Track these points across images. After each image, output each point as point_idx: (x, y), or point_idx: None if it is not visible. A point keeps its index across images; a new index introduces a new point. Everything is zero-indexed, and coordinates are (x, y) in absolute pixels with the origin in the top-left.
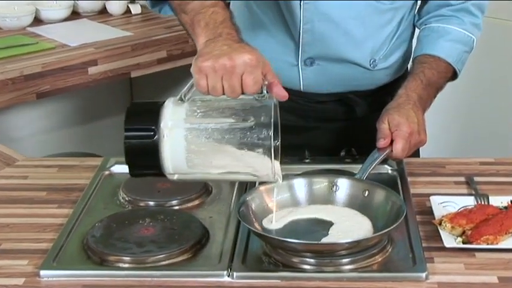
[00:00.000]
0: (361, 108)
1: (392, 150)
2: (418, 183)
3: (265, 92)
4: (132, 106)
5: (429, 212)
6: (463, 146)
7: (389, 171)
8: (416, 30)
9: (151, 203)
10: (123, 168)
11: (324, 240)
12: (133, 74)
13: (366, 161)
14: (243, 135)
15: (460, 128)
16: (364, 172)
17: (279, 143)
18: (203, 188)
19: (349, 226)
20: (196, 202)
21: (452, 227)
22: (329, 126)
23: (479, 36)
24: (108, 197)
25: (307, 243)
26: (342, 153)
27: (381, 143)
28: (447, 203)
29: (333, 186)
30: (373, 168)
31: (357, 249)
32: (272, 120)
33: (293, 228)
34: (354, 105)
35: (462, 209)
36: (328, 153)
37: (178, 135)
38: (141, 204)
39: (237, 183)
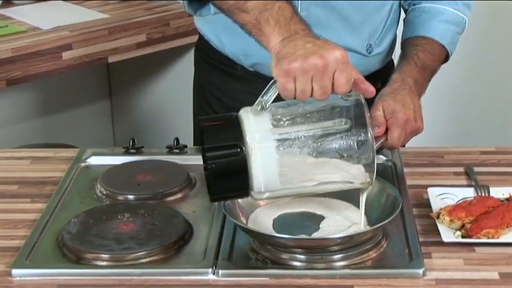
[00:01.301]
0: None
1: (387, 139)
2: (415, 174)
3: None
4: (203, 122)
5: (426, 204)
6: (462, 134)
7: (384, 162)
8: (403, 12)
9: (131, 197)
10: (100, 160)
11: (315, 235)
12: (111, 59)
13: None
14: (339, 140)
15: (459, 115)
16: None
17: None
18: (186, 181)
19: (341, 220)
20: (179, 195)
21: (451, 221)
22: None
23: (470, 16)
24: (84, 191)
25: (297, 239)
26: None
27: (376, 131)
28: (445, 195)
29: None
30: None
31: (350, 244)
32: (369, 119)
33: (282, 222)
34: None
35: (461, 201)
36: None
37: (268, 148)
38: (120, 198)
39: None
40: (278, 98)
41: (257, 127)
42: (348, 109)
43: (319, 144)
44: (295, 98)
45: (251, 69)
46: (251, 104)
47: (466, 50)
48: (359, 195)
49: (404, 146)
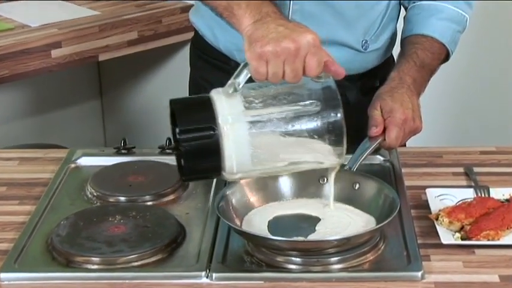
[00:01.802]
0: (351, 93)
1: (385, 139)
2: (413, 175)
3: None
4: (175, 104)
5: (425, 205)
6: (462, 133)
7: (382, 162)
8: (403, 9)
9: (122, 199)
10: (90, 161)
11: (311, 237)
12: (101, 57)
13: (357, 151)
14: (311, 121)
15: (458, 115)
16: (355, 163)
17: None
18: (179, 182)
19: (338, 222)
20: (172, 197)
21: (450, 222)
22: None
23: (472, 15)
24: (74, 192)
25: (293, 241)
26: None
27: (373, 131)
28: (444, 196)
29: (321, 178)
30: (364, 158)
31: (347, 246)
32: (340, 100)
33: (277, 224)
34: (344, 90)
35: (461, 202)
36: None
37: (240, 130)
38: (111, 199)
39: None
40: (250, 79)
41: (230, 109)
42: (319, 91)
43: (290, 125)
44: (266, 81)
45: None
46: None
47: (465, 48)
48: (356, 198)
49: (405, 145)
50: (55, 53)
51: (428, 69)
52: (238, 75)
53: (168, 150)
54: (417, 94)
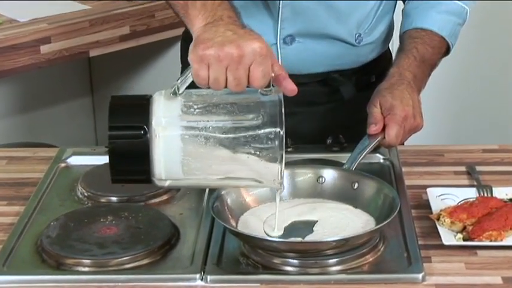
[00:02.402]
0: (345, 89)
1: (384, 137)
2: (414, 174)
3: (271, 85)
4: (115, 100)
5: (426, 205)
6: (464, 131)
7: (381, 161)
8: (400, 2)
9: (114, 199)
10: (81, 160)
11: (308, 238)
12: (92, 53)
13: (355, 150)
14: (248, 135)
15: (460, 112)
16: (354, 162)
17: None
18: None
19: (336, 222)
20: (165, 197)
21: (452, 223)
22: (310, 111)
23: (473, 7)
24: (64, 193)
25: (290, 242)
26: (329, 141)
27: (372, 128)
28: (446, 196)
29: (319, 178)
30: (363, 157)
31: (345, 248)
32: (283, 118)
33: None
34: (338, 85)
35: (463, 202)
36: (312, 141)
37: (173, 134)
38: (102, 200)
39: None
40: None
41: (165, 111)
42: (263, 105)
43: (227, 137)
44: (209, 87)
45: None
46: None
47: (468, 45)
48: (355, 198)
49: (403, 144)
50: (44, 48)
51: (429, 64)
52: (180, 78)
53: None
54: (418, 90)
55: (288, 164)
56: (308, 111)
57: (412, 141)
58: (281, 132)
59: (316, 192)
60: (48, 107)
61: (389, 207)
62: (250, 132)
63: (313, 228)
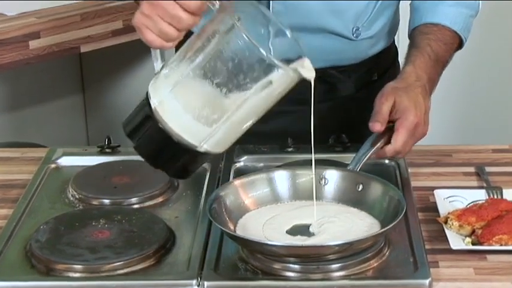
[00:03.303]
0: (344, 86)
1: (389, 142)
2: (420, 175)
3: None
4: (125, 121)
5: (433, 208)
6: (473, 131)
7: (387, 161)
8: None
9: (107, 201)
10: (71, 160)
11: (310, 242)
12: (84, 49)
13: (360, 150)
14: (221, 57)
15: (469, 111)
16: (358, 163)
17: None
18: (168, 183)
19: (339, 226)
20: (160, 199)
21: (460, 226)
22: (308, 110)
23: None
24: (54, 195)
25: (291, 246)
26: (331, 141)
27: (377, 126)
28: (454, 198)
29: (321, 179)
30: (368, 158)
31: (349, 252)
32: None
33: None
34: (335, 82)
35: (471, 204)
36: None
37: (169, 102)
38: (94, 202)
39: (207, 176)
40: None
41: (155, 92)
42: (216, 16)
43: (207, 69)
44: (165, 45)
45: None
46: None
47: (478, 41)
48: (360, 200)
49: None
50: (33, 44)
51: (442, 63)
52: (153, 58)
53: None
54: (430, 94)
55: (289, 165)
56: (306, 109)
57: (419, 141)
58: (245, 36)
59: (318, 194)
60: (37, 105)
61: (394, 209)
62: (220, 54)
63: (315, 232)
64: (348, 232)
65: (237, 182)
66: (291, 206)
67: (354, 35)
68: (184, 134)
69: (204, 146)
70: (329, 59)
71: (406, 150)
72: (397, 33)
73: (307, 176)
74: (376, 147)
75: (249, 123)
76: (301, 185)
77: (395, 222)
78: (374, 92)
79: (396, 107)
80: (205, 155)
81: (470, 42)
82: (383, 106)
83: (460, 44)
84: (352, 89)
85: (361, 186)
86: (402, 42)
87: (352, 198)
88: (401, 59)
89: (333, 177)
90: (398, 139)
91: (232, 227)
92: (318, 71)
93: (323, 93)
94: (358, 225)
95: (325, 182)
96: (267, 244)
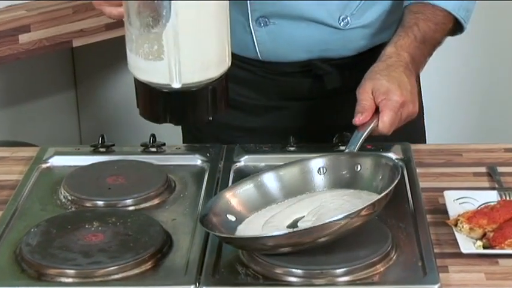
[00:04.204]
0: (332, 79)
1: (377, 124)
2: (429, 176)
3: None
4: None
5: (442, 210)
6: (484, 129)
7: (394, 161)
8: None
9: (100, 203)
10: (64, 160)
11: (299, 226)
12: (76, 43)
13: (353, 138)
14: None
15: (480, 108)
16: (354, 147)
17: None
18: (164, 184)
19: (337, 208)
20: (156, 201)
21: (471, 229)
22: (300, 106)
23: None
24: (46, 196)
25: (289, 234)
26: (335, 140)
27: (358, 118)
28: (464, 199)
29: (319, 169)
30: (362, 142)
31: (354, 226)
32: None
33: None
34: (322, 74)
35: (483, 206)
36: (312, 140)
37: (129, 57)
38: (88, 204)
39: (206, 177)
40: None
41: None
42: None
43: (131, 15)
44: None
45: None
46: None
47: (490, 38)
48: (359, 178)
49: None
50: (23, 38)
51: (430, 44)
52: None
53: (152, 149)
54: (416, 74)
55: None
56: (297, 105)
57: (428, 139)
58: None
59: (311, 185)
60: (27, 102)
61: (390, 178)
62: None
63: (313, 218)
64: (347, 211)
65: (227, 194)
66: (287, 204)
67: (341, 24)
68: (150, 77)
69: (177, 80)
70: (315, 49)
71: (392, 129)
72: None
73: (292, 171)
74: (364, 136)
75: (204, 36)
76: (290, 181)
77: (391, 187)
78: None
79: (377, 91)
80: (196, 93)
81: (482, 38)
82: (362, 96)
83: (457, 25)
84: (346, 87)
85: (359, 167)
86: None
87: (352, 180)
88: None
89: (330, 165)
90: (385, 120)
91: (229, 233)
92: (304, 63)
93: (312, 88)
94: (356, 205)
95: (323, 171)
96: (262, 237)
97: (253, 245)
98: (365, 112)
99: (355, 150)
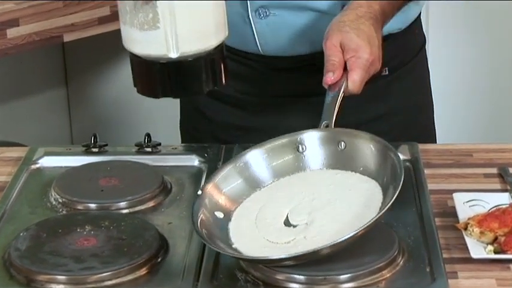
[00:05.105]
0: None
1: (347, 85)
2: (438, 177)
3: None
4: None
5: (452, 213)
6: (495, 128)
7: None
8: None
9: (93, 206)
10: (54, 161)
11: (309, 235)
12: (67, 38)
13: (325, 106)
14: None
15: (491, 107)
16: (330, 119)
17: None
18: (160, 186)
19: (330, 194)
20: (151, 204)
21: (481, 233)
22: (304, 103)
23: None
24: (35, 199)
25: (295, 257)
26: None
27: (329, 78)
28: (475, 202)
29: (298, 146)
30: (337, 111)
31: (351, 241)
32: None
33: (265, 224)
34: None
35: (494, 209)
36: None
37: (123, 32)
38: (79, 207)
39: (203, 179)
40: None
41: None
42: None
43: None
44: None
45: None
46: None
47: (502, 32)
48: (345, 158)
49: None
50: (11, 32)
51: None
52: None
53: (147, 149)
54: (382, 28)
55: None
56: (299, 103)
57: (438, 139)
58: None
59: (300, 164)
60: (15, 100)
61: (392, 170)
62: None
63: (310, 220)
64: (347, 212)
65: (209, 187)
66: (273, 190)
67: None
68: (146, 48)
69: (174, 50)
70: (317, 41)
71: (361, 89)
72: (427, 18)
73: (282, 148)
74: (339, 98)
75: (200, 2)
76: (280, 160)
77: (399, 185)
78: (382, 89)
79: (346, 46)
80: (195, 63)
81: (494, 33)
82: (330, 50)
83: None
84: None
85: (343, 144)
86: (433, 29)
87: (337, 159)
88: (431, 51)
89: (310, 142)
90: (355, 79)
91: (226, 233)
92: (305, 56)
93: (316, 84)
94: (351, 196)
95: (303, 149)
96: (264, 260)
97: (255, 262)
98: (336, 70)
99: (333, 121)
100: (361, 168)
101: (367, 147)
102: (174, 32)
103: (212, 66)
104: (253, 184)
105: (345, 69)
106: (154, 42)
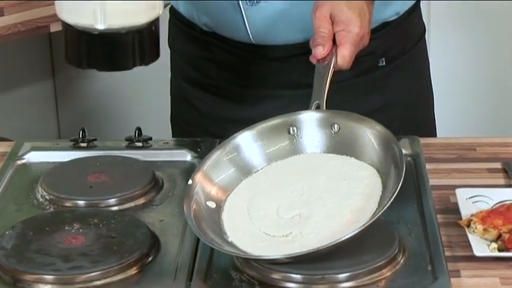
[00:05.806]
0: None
1: (336, 60)
2: (440, 172)
3: None
4: None
5: (454, 210)
6: (499, 122)
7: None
8: None
9: (81, 203)
10: (41, 156)
11: (307, 230)
12: (54, 28)
13: (315, 84)
14: None
15: (495, 100)
16: (321, 99)
17: None
18: (151, 182)
19: (327, 183)
20: (142, 200)
21: (485, 230)
22: (299, 95)
23: None
24: (22, 195)
25: (294, 256)
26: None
27: (319, 52)
28: (478, 198)
29: (289, 129)
30: (328, 89)
31: (351, 240)
32: None
33: (260, 215)
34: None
35: (498, 205)
36: None
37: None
38: (67, 204)
39: None
40: None
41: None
42: None
43: None
44: None
45: (206, 29)
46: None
47: (504, 26)
48: (341, 141)
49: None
50: None
51: None
52: None
53: (137, 143)
54: (372, 4)
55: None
56: (293, 94)
57: (439, 132)
58: None
59: (293, 147)
60: (0, 92)
61: (392, 157)
62: None
63: (308, 213)
64: (344, 204)
65: (199, 175)
66: (268, 175)
67: None
68: (75, 18)
69: (101, 21)
70: (310, 29)
71: (350, 64)
72: (428, 7)
73: (274, 131)
74: (330, 74)
75: None
76: (269, 143)
77: (401, 178)
78: (379, 81)
79: (336, 17)
80: (121, 37)
81: (497, 27)
82: (320, 22)
83: None
84: (351, 75)
85: (336, 127)
86: (434, 18)
87: (331, 143)
88: (431, 42)
89: (301, 124)
90: (345, 54)
91: (218, 225)
92: (298, 45)
93: (309, 74)
94: (349, 186)
95: (294, 132)
96: (267, 259)
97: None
98: (326, 43)
99: (324, 100)
100: (357, 153)
101: (362, 131)
102: (102, 4)
103: (140, 43)
104: (244, 170)
105: (334, 42)
106: (84, 12)
